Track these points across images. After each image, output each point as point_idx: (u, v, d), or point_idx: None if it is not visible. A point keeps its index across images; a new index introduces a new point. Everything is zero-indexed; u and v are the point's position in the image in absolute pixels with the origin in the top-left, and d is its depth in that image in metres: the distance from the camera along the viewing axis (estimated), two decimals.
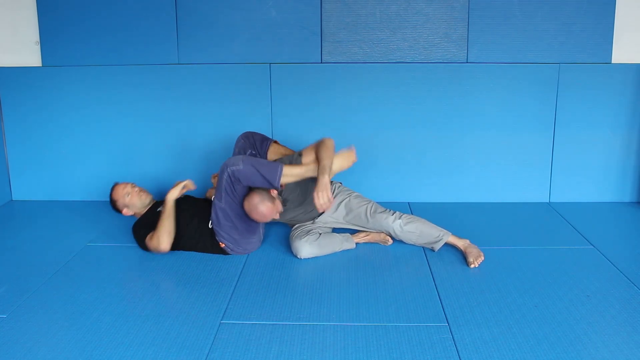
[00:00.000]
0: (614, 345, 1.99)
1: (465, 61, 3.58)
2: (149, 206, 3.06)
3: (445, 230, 2.85)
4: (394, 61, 3.60)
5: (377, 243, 2.97)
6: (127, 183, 3.10)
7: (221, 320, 2.18)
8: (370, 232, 2.97)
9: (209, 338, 2.06)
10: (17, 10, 3.63)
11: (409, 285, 2.49)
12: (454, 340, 2.04)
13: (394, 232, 2.86)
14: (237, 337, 2.05)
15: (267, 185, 2.60)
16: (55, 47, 3.65)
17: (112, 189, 3.10)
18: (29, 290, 2.45)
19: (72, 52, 3.65)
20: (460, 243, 2.82)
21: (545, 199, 3.73)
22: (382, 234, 2.94)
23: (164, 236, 2.70)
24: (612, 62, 3.56)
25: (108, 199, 3.79)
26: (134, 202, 3.03)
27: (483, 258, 2.69)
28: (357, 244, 2.94)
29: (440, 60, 3.59)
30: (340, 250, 2.87)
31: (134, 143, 3.75)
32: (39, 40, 3.66)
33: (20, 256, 2.87)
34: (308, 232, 2.83)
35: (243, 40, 3.60)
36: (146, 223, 2.86)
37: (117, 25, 3.60)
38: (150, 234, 2.76)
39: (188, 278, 2.55)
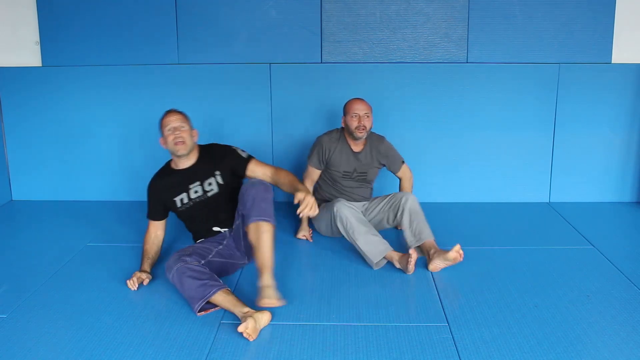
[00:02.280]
0: (614, 345, 1.99)
1: (465, 61, 3.58)
2: (181, 159, 2.60)
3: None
4: (394, 61, 3.60)
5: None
6: (178, 119, 2.57)
7: (221, 320, 2.18)
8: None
9: (209, 338, 2.06)
10: (17, 10, 3.63)
11: (409, 285, 2.49)
12: (454, 340, 2.04)
13: (410, 196, 2.81)
14: (237, 337, 2.05)
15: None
16: (55, 47, 3.65)
17: (167, 111, 2.63)
18: (29, 290, 2.45)
19: (72, 52, 3.65)
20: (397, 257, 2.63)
21: (545, 199, 3.73)
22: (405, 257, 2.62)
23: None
24: (612, 62, 3.56)
25: (107, 199, 3.82)
26: (167, 146, 2.59)
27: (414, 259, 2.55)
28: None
29: (440, 60, 3.59)
30: (367, 248, 2.64)
31: (133, 143, 3.75)
32: (39, 40, 3.66)
33: (20, 256, 2.87)
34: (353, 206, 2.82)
35: (243, 40, 3.60)
36: (156, 190, 2.66)
37: (117, 25, 3.60)
38: (146, 234, 2.70)
39: None
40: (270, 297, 2.21)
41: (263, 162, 2.67)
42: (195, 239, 2.72)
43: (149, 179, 3.77)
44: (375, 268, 2.64)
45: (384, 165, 3.09)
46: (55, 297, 2.38)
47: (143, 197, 3.80)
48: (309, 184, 3.06)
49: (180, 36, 3.61)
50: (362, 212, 2.97)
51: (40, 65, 3.69)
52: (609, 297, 2.35)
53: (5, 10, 3.64)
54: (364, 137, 2.93)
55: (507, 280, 2.52)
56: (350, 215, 2.68)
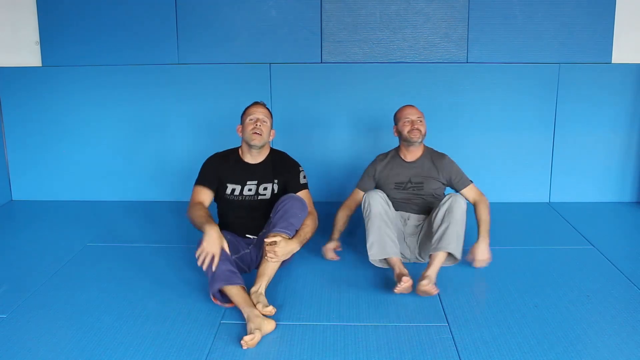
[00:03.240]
0: (614, 345, 1.99)
1: (465, 61, 3.58)
2: (252, 152, 2.57)
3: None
4: (394, 61, 3.60)
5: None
6: (263, 113, 2.58)
7: (221, 320, 2.18)
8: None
9: (209, 338, 2.05)
10: (17, 11, 3.63)
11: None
12: (454, 340, 2.03)
13: (457, 198, 2.51)
14: (237, 337, 2.04)
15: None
16: (55, 47, 3.65)
17: (256, 102, 2.66)
18: (29, 290, 2.45)
19: (72, 52, 3.65)
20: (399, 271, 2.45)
21: (545, 199, 3.73)
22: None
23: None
24: (612, 62, 3.56)
25: (107, 199, 3.82)
26: (244, 134, 2.56)
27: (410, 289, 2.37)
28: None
29: (440, 60, 3.59)
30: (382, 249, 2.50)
31: (134, 143, 3.75)
32: (39, 40, 3.66)
33: (20, 256, 2.87)
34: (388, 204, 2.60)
35: (243, 40, 3.60)
36: (215, 163, 2.58)
37: (117, 25, 3.60)
38: (192, 202, 2.52)
39: (188, 278, 2.55)
40: (265, 304, 2.16)
41: (309, 198, 2.60)
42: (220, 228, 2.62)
43: (150, 179, 3.80)
44: (372, 263, 2.56)
45: (444, 184, 2.79)
46: (55, 297, 2.38)
47: (143, 196, 3.83)
48: (346, 210, 2.82)
49: (180, 36, 3.61)
50: (417, 227, 2.74)
51: (40, 65, 3.69)
52: (609, 297, 2.35)
53: (5, 10, 3.64)
54: (420, 142, 2.75)
55: (507, 280, 2.52)
56: (373, 205, 2.54)
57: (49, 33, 3.64)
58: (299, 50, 3.60)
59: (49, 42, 3.65)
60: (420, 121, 2.75)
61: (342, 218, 2.82)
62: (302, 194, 2.57)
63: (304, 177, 2.63)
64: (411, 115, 2.74)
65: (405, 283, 2.32)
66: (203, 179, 2.58)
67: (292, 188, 2.57)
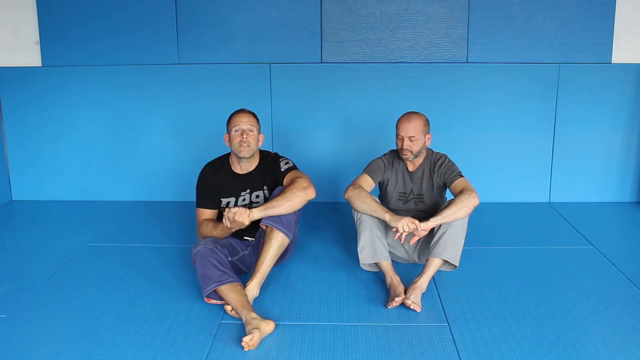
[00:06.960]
0: (614, 345, 1.99)
1: (465, 61, 3.58)
2: (242, 162, 2.53)
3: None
4: (394, 61, 3.60)
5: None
6: (248, 122, 2.49)
7: (221, 320, 2.18)
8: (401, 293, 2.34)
9: (209, 338, 2.06)
10: (17, 11, 3.63)
11: (408, 285, 2.48)
12: (454, 340, 2.04)
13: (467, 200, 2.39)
14: (237, 337, 2.05)
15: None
16: (55, 47, 3.65)
17: (239, 110, 2.56)
18: (29, 290, 2.45)
19: (72, 52, 3.65)
20: (391, 279, 2.43)
21: (545, 199, 3.73)
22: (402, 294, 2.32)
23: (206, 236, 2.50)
24: (612, 62, 3.56)
25: (108, 200, 3.82)
26: (231, 146, 2.51)
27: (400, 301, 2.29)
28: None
29: (440, 60, 3.59)
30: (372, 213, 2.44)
31: (134, 143, 3.75)
32: (39, 40, 3.66)
33: (20, 256, 2.87)
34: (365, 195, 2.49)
35: (243, 40, 3.60)
36: (209, 179, 2.55)
37: (117, 26, 3.60)
38: (198, 222, 2.54)
39: (188, 278, 2.55)
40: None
41: (298, 171, 2.51)
42: None
43: (150, 179, 3.80)
44: (362, 267, 2.54)
45: (445, 186, 2.64)
46: (55, 297, 2.38)
47: (143, 197, 3.83)
48: (365, 191, 2.54)
49: (180, 36, 3.61)
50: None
51: (40, 65, 3.69)
52: (609, 297, 2.35)
53: (5, 10, 3.64)
54: (413, 158, 2.61)
55: (507, 280, 2.52)
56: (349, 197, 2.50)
57: (49, 33, 3.64)
58: (299, 50, 3.60)
59: (49, 42, 3.65)
60: (412, 139, 2.55)
61: (371, 196, 2.52)
62: (289, 177, 2.49)
63: (286, 162, 2.55)
64: (403, 132, 2.58)
65: (398, 303, 2.27)
66: (203, 202, 2.56)
67: (279, 181, 2.53)
